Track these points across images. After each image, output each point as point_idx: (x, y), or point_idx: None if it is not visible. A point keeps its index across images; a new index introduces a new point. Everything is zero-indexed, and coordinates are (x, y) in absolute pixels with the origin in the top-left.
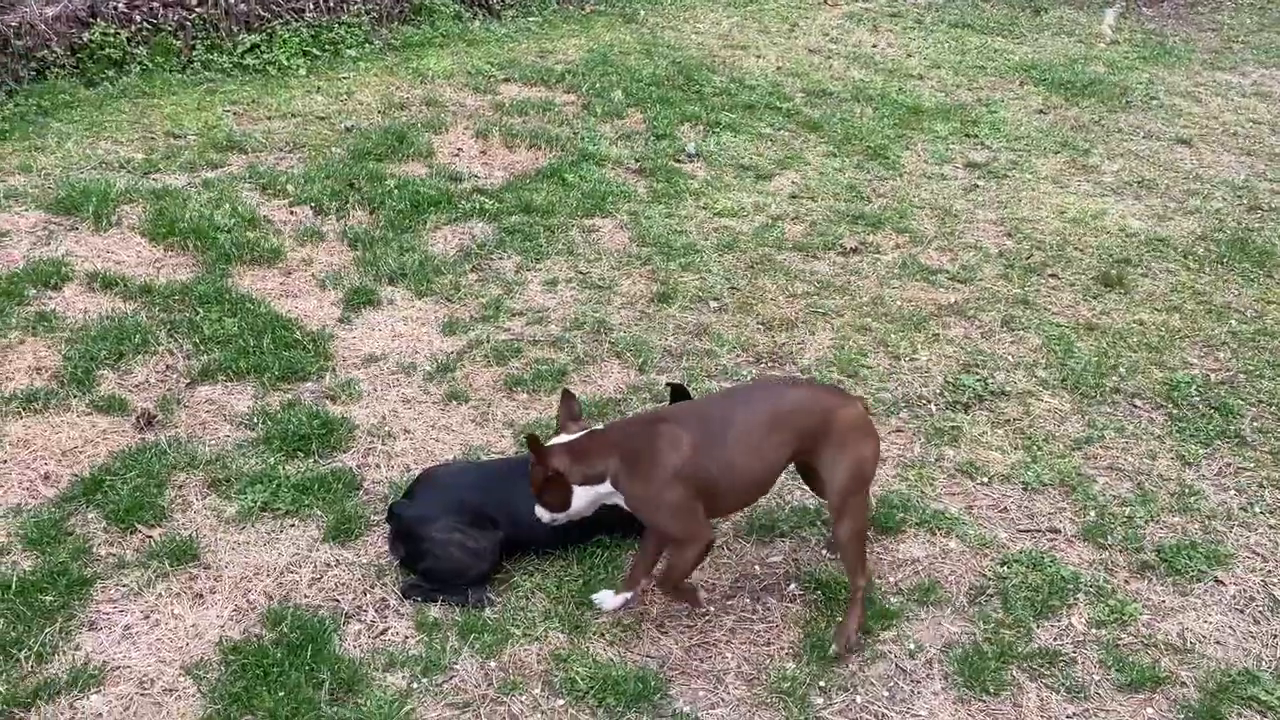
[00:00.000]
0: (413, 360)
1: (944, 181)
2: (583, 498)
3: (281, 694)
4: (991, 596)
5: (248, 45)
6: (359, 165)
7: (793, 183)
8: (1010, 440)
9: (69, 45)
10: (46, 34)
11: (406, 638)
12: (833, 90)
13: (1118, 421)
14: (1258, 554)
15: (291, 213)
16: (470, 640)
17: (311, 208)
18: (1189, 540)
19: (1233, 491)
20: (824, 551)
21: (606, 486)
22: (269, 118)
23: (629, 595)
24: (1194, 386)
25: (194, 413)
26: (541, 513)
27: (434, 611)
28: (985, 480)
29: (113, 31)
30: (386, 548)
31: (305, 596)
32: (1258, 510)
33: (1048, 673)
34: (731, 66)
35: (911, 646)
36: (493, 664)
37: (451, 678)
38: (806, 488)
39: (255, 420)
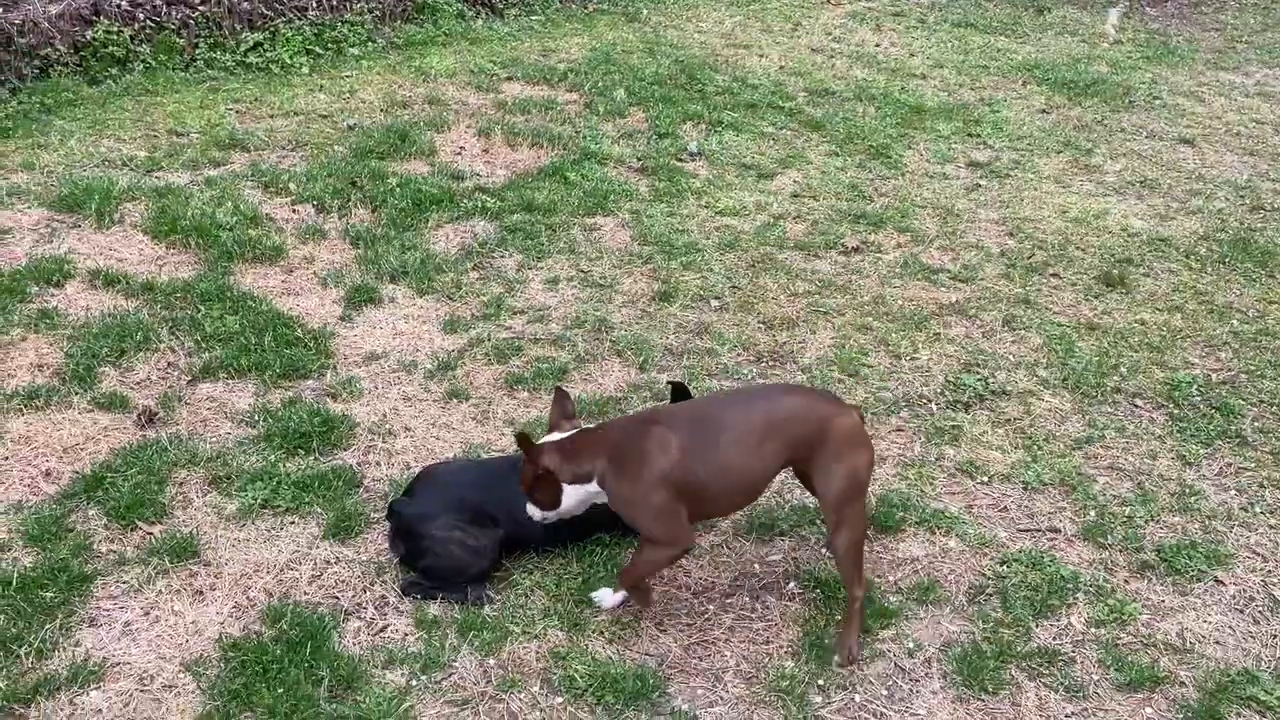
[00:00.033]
0: (413, 358)
1: (946, 181)
2: (572, 496)
3: (281, 691)
4: (991, 596)
5: (251, 43)
6: (361, 163)
7: (795, 182)
8: (1011, 440)
9: (72, 43)
10: (50, 32)
11: (406, 635)
12: (835, 89)
13: (1118, 421)
14: (1258, 554)
15: (293, 211)
16: (469, 638)
17: (313, 206)
18: (1189, 540)
19: (1233, 491)
20: (824, 550)
21: (594, 486)
22: (271, 116)
23: (627, 593)
24: (1195, 386)
25: (195, 410)
26: (533, 510)
27: (433, 609)
28: (985, 479)
29: (116, 29)
30: (386, 545)
31: (305, 594)
32: (1258, 510)
33: (1047, 672)
34: (734, 65)
35: (910, 645)
36: (492, 661)
37: (450, 675)
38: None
39: (256, 418)
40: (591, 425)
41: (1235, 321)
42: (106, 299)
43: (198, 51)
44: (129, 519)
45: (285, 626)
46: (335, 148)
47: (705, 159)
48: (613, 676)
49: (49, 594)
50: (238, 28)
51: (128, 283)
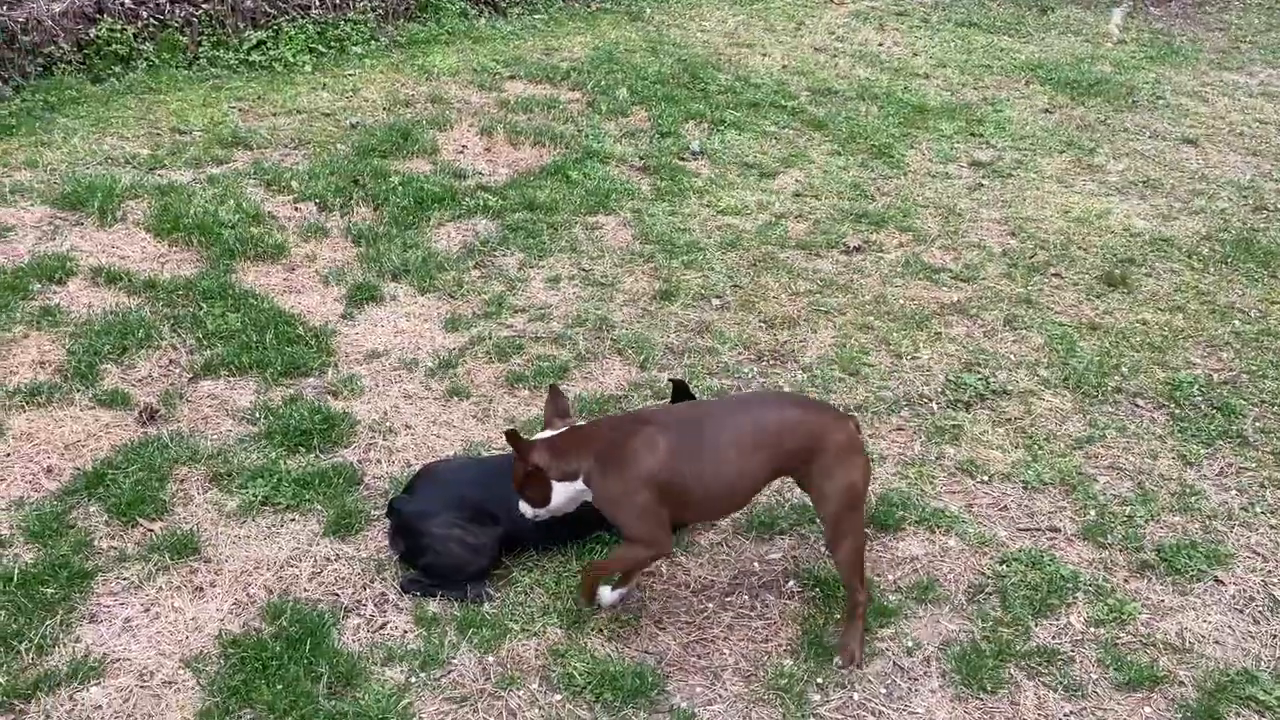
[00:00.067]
0: (415, 356)
1: (948, 180)
2: (561, 493)
3: (280, 687)
4: (990, 595)
5: (254, 42)
6: (363, 162)
7: (797, 181)
8: (1011, 439)
9: (76, 41)
10: (53, 30)
11: (405, 632)
12: (838, 89)
13: (1119, 421)
14: (1258, 554)
15: (296, 209)
16: (469, 635)
17: (316, 204)
18: (1189, 540)
19: (1234, 491)
20: (824, 550)
21: (581, 484)
22: (274, 114)
23: (625, 590)
24: (1196, 386)
25: (196, 407)
26: (525, 508)
27: (433, 606)
28: (985, 479)
29: (119, 28)
30: (386, 543)
31: (305, 591)
32: (1259, 510)
33: (1045, 671)
34: (737, 65)
35: (909, 644)
36: (491, 659)
37: (449, 672)
38: None
39: (257, 415)
40: (582, 423)
41: (1237, 321)
42: (108, 296)
43: (201, 50)
44: (130, 515)
45: (285, 623)
46: (338, 146)
47: (707, 158)
48: (611, 674)
49: (50, 590)
50: (241, 26)
51: (130, 280)
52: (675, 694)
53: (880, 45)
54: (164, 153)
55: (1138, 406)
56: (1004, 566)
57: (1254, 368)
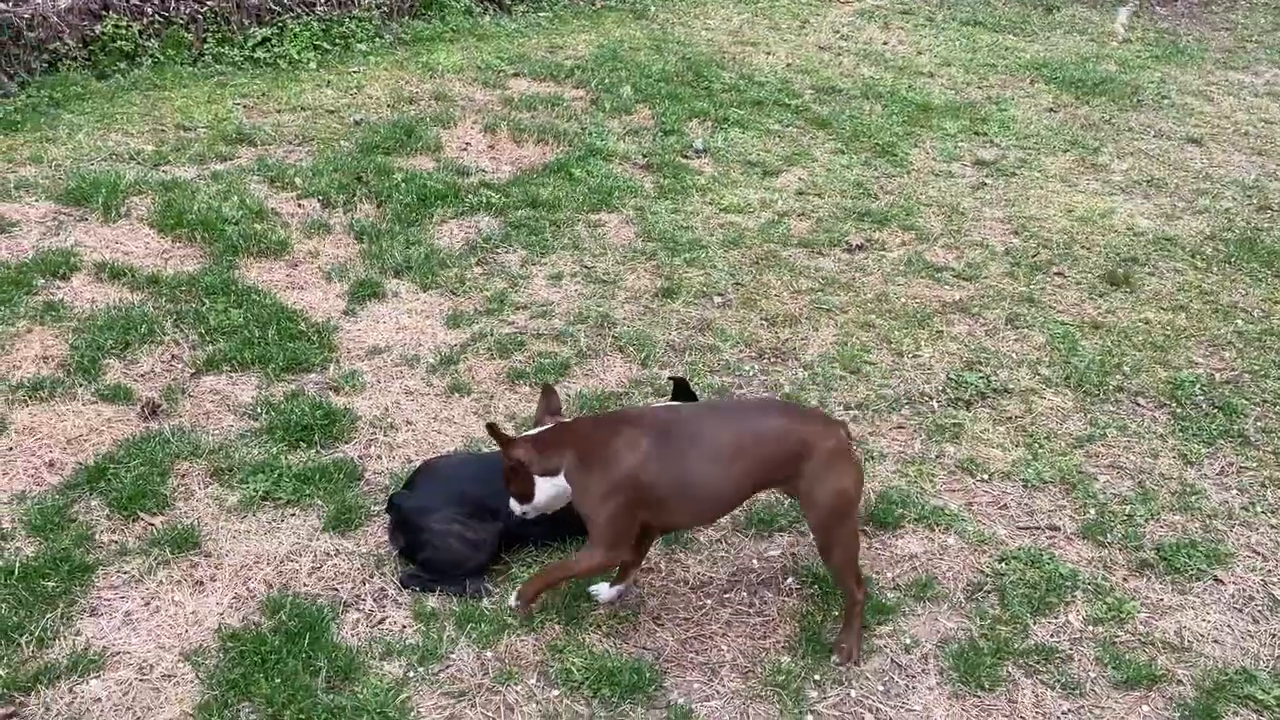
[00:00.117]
0: (416, 353)
1: (952, 179)
2: (545, 489)
3: (278, 681)
4: (989, 593)
5: (259, 39)
6: (367, 159)
7: (800, 179)
8: (1012, 437)
9: (81, 37)
10: (59, 26)
11: (404, 627)
12: (842, 87)
13: (1120, 420)
14: (1258, 553)
15: (299, 205)
16: (467, 630)
17: (319, 200)
18: (1189, 539)
19: (1235, 491)
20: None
21: (563, 479)
22: (279, 111)
23: (623, 587)
24: (1198, 386)
25: (198, 402)
26: (513, 504)
27: (432, 601)
28: (985, 477)
29: (125, 24)
30: (386, 538)
31: (304, 585)
32: (1259, 510)
33: (1043, 669)
34: (741, 63)
35: (907, 641)
36: (489, 654)
37: (448, 667)
38: None
39: (259, 410)
40: (568, 420)
41: (1240, 321)
42: (112, 292)
43: (206, 46)
44: (131, 510)
45: (284, 618)
46: (341, 143)
47: (710, 156)
48: (609, 670)
49: (50, 583)
50: (246, 23)
51: (133, 276)
52: (673, 690)
53: (885, 44)
54: (168, 149)
55: (1139, 405)
56: (1003, 565)
57: (1256, 367)
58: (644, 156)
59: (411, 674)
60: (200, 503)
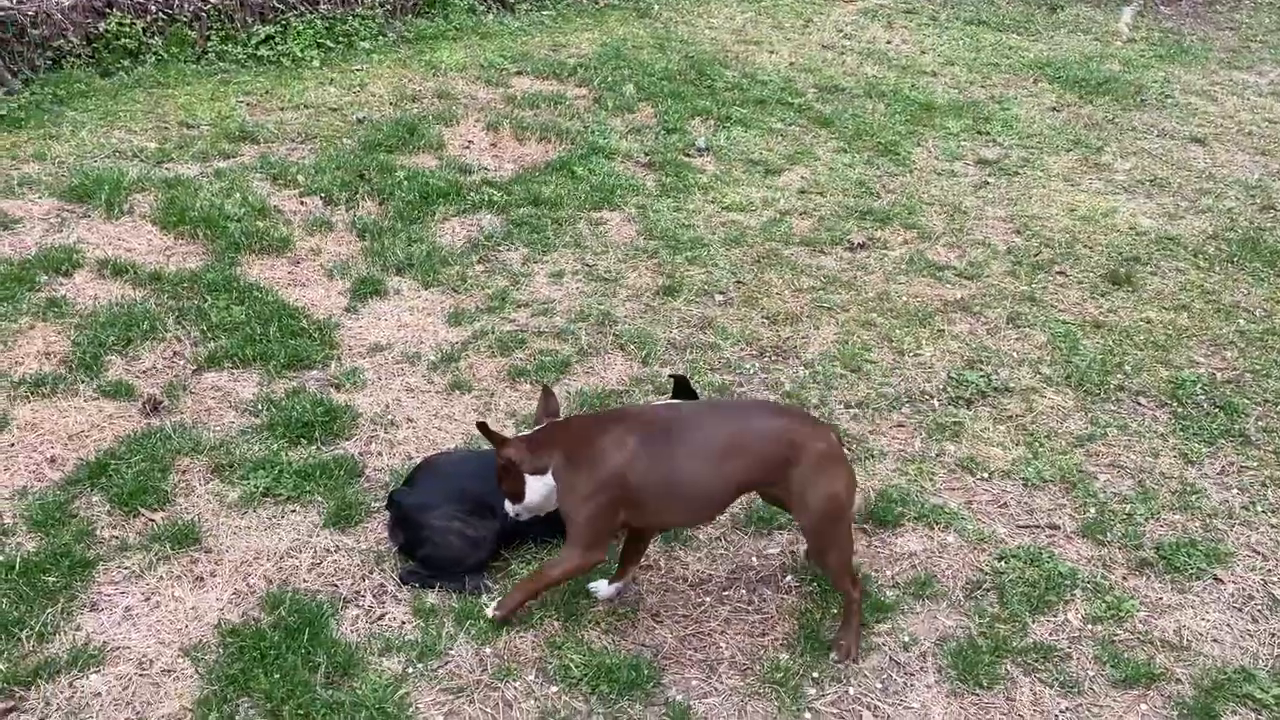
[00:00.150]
0: (417, 350)
1: (954, 178)
2: (535, 488)
3: (278, 676)
4: (988, 591)
5: (262, 36)
6: (370, 156)
7: (802, 178)
8: (1012, 436)
9: (85, 35)
10: (63, 23)
11: (403, 623)
12: (845, 86)
13: (1121, 419)
14: (1258, 553)
15: (301, 203)
16: (466, 626)
17: (321, 198)
18: (1189, 538)
19: (1235, 490)
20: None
21: (551, 478)
22: (282, 109)
23: (622, 584)
24: (1199, 385)
25: (199, 399)
26: (507, 504)
27: (431, 598)
28: (985, 476)
29: (128, 21)
30: (386, 534)
31: (304, 581)
32: (1259, 509)
33: (1042, 667)
34: (744, 61)
35: (906, 639)
36: (488, 650)
37: (447, 663)
38: None
39: (260, 407)
40: (561, 419)
41: (1242, 321)
42: (114, 288)
43: (209, 44)
44: (132, 505)
45: (284, 613)
46: (344, 141)
47: (713, 154)
48: (608, 666)
49: (51, 578)
50: (249, 21)
51: (136, 272)
52: (671, 687)
53: (888, 43)
54: (171, 146)
55: (1140, 405)
56: (1002, 563)
57: (1258, 367)
58: (646, 155)
59: (410, 670)
60: (201, 499)
